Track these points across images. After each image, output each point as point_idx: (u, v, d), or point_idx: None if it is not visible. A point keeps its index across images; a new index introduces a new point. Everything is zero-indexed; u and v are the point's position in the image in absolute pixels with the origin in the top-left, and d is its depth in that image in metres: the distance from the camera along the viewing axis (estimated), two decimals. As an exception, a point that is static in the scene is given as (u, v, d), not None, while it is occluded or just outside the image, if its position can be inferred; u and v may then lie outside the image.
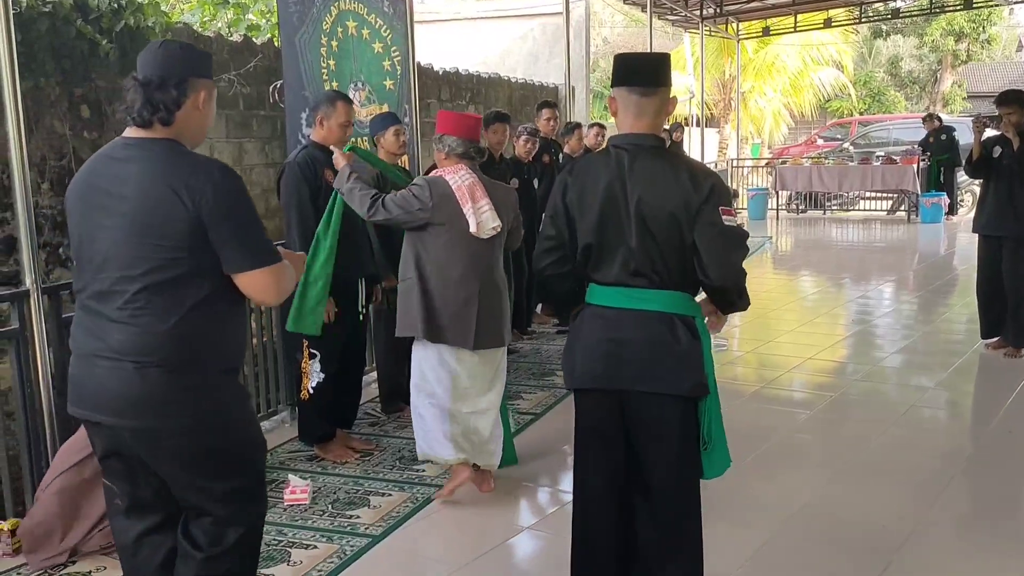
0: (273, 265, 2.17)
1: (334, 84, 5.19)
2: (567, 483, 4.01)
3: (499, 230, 3.64)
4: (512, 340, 5.53)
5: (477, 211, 3.56)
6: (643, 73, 2.49)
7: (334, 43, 5.27)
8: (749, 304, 2.55)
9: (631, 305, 2.43)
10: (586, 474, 2.61)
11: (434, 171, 3.75)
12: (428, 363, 3.69)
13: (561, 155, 7.36)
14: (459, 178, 3.61)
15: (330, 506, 3.72)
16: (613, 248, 2.44)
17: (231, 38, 6.18)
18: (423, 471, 4.06)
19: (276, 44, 6.01)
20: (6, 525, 3.29)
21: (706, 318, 2.55)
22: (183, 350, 2.11)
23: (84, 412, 2.18)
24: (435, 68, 8.98)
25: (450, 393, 3.65)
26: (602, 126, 8.33)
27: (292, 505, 3.71)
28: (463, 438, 3.69)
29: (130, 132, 2.13)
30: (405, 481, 3.96)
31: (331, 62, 5.21)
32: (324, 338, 4.04)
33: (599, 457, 2.56)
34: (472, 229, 3.56)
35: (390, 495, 3.82)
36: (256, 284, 2.15)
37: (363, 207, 3.69)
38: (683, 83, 21.45)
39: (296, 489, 3.77)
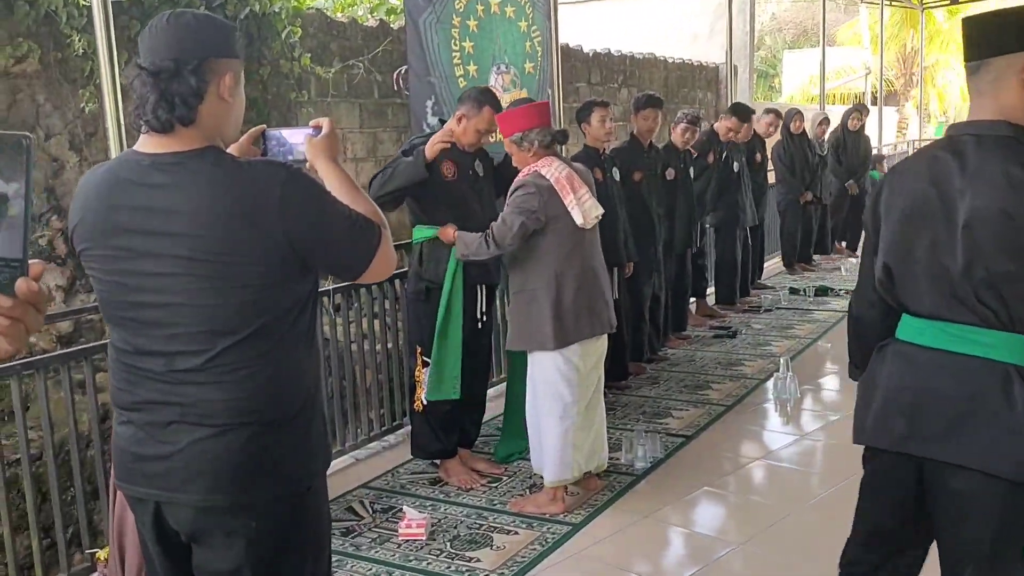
0: (383, 235, 1.78)
1: (471, 68, 4.73)
2: (719, 527, 3.42)
3: (600, 217, 3.53)
4: (633, 374, 5.11)
5: (580, 201, 3.41)
6: (967, 40, 1.86)
7: (472, 23, 4.81)
8: None
9: (949, 347, 1.82)
10: (861, 550, 2.12)
11: (525, 170, 3.47)
12: (552, 371, 3.43)
13: (723, 145, 6.65)
14: (555, 170, 3.42)
15: (448, 544, 3.29)
16: (926, 268, 1.83)
17: (366, 22, 5.87)
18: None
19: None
20: (102, 554, 3.06)
21: None
22: (281, 402, 1.73)
23: (152, 491, 1.74)
24: (584, 49, 8.43)
25: (576, 390, 3.43)
26: (778, 113, 7.56)
27: (407, 540, 3.32)
28: (583, 448, 3.49)
29: (149, 145, 1.69)
30: (535, 517, 3.49)
31: (467, 44, 4.76)
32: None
33: (883, 533, 2.05)
34: (579, 221, 3.40)
35: (516, 534, 3.36)
36: (379, 267, 1.79)
37: (482, 249, 3.46)
38: (860, 58, 19.91)
39: (412, 522, 3.37)
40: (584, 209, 3.42)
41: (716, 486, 3.78)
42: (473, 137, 3.66)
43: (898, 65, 20.25)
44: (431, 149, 3.45)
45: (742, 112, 6.56)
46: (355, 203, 1.82)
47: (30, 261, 0.85)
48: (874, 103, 15.05)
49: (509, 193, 3.48)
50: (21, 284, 0.85)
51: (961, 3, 15.78)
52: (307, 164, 1.93)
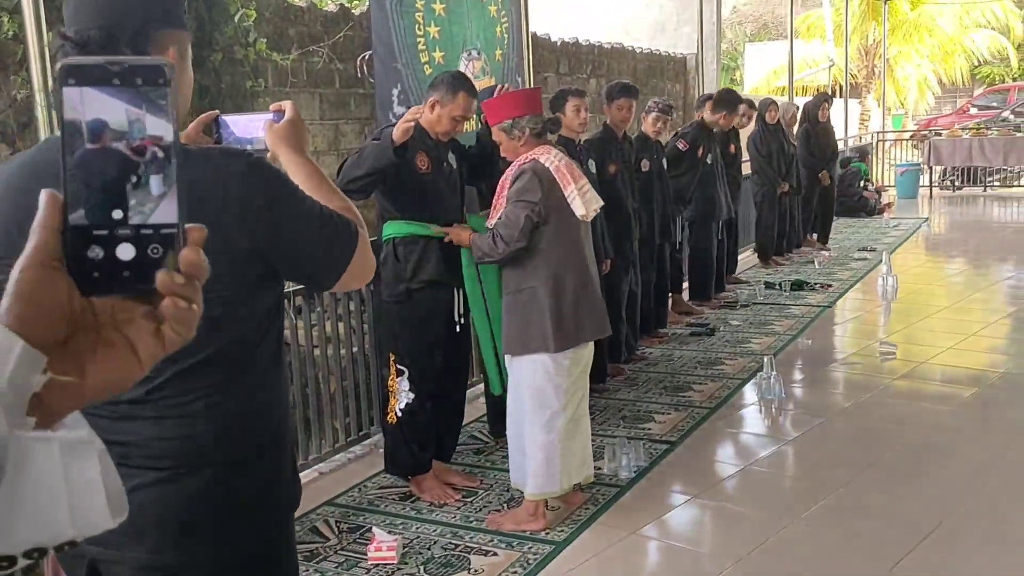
0: (361, 234, 1.50)
1: (437, 55, 4.44)
2: (710, 542, 3.21)
3: (600, 209, 3.36)
4: (611, 376, 4.91)
5: (580, 191, 3.19)
6: None
7: (438, 6, 4.52)
8: None
9: None
10: None
11: (521, 158, 3.24)
12: (541, 376, 3.18)
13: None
14: (554, 158, 3.20)
15: (422, 568, 3.04)
16: None
17: (325, 7, 5.56)
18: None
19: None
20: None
21: None
22: (244, 439, 1.46)
23: (88, 547, 1.41)
24: (552, 39, 8.19)
25: (565, 396, 3.19)
26: (751, 103, 7.39)
27: (377, 565, 3.06)
28: (571, 458, 3.27)
29: None
30: (513, 536, 3.24)
31: (433, 28, 4.46)
32: (414, 352, 3.41)
33: None
34: (580, 212, 3.19)
35: (495, 555, 3.11)
36: (356, 272, 1.50)
37: (494, 251, 3.19)
38: (822, 51, 19.92)
39: (382, 544, 3.11)
40: (585, 200, 3.20)
41: (704, 497, 3.57)
42: (447, 125, 3.39)
43: (860, 57, 20.31)
44: (399, 130, 3.14)
45: (730, 101, 6.38)
46: (327, 199, 1.55)
47: (186, 225, 0.63)
48: (836, 95, 15.01)
49: (505, 184, 3.23)
50: (185, 254, 0.62)
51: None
52: (268, 155, 1.67)
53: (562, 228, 3.20)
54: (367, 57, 4.49)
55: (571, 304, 3.20)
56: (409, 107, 3.59)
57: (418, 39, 4.37)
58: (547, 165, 3.19)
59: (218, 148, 1.50)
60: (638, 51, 9.98)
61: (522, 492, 3.32)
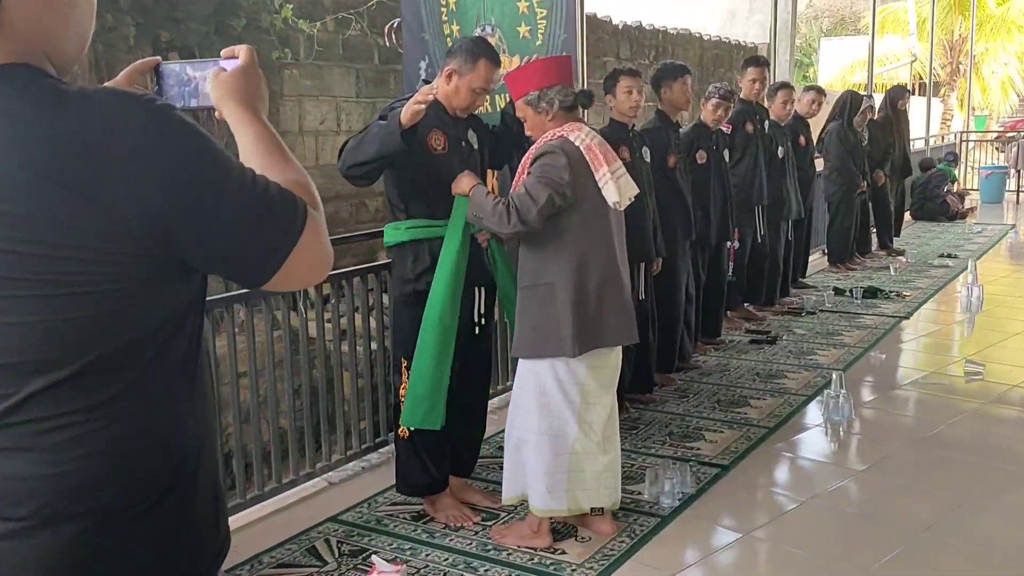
0: (310, 219, 1.11)
1: (454, 27, 4.02)
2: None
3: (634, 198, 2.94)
4: (659, 385, 4.43)
5: (614, 175, 2.80)
6: None
7: None
8: None
9: None
10: None
11: (548, 135, 2.84)
12: (550, 379, 2.82)
13: (767, 123, 5.95)
14: (585, 136, 2.78)
15: (425, 605, 2.65)
16: None
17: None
18: (562, 549, 2.92)
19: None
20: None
21: None
22: (135, 478, 1.08)
23: None
24: (612, 21, 7.71)
25: (579, 407, 2.80)
26: (820, 90, 6.83)
27: (375, 598, 2.67)
28: (585, 478, 2.89)
29: None
30: (537, 569, 2.83)
31: (451, 0, 4.04)
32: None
33: None
34: (612, 199, 2.79)
35: (512, 593, 2.70)
36: (299, 268, 1.12)
37: (502, 221, 2.76)
38: (901, 46, 19.02)
39: (382, 575, 2.72)
40: (619, 185, 2.78)
41: (759, 534, 3.10)
42: (466, 98, 2.97)
43: (944, 53, 19.33)
44: (408, 112, 2.70)
45: (758, 59, 5.83)
46: (277, 169, 1.16)
47: None
48: (918, 93, 14.20)
49: (529, 160, 2.82)
50: None
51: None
52: (217, 113, 1.28)
53: (590, 216, 2.81)
54: (396, 25, 4.09)
55: (594, 303, 2.81)
56: (426, 80, 3.16)
57: (441, 8, 3.96)
58: (577, 143, 2.78)
59: (106, 89, 1.09)
60: (706, 39, 9.44)
61: (524, 505, 2.95)
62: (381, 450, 3.76)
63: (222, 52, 1.30)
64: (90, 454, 1.05)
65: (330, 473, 3.56)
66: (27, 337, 1.01)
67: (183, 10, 3.83)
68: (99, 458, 1.06)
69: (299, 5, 4.46)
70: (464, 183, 2.90)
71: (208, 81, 1.27)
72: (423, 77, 3.37)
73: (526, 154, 2.88)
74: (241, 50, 1.28)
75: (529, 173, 2.79)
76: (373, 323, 3.80)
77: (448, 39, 3.98)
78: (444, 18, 3.98)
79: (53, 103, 1.01)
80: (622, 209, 2.91)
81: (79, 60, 1.20)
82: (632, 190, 2.92)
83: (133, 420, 1.08)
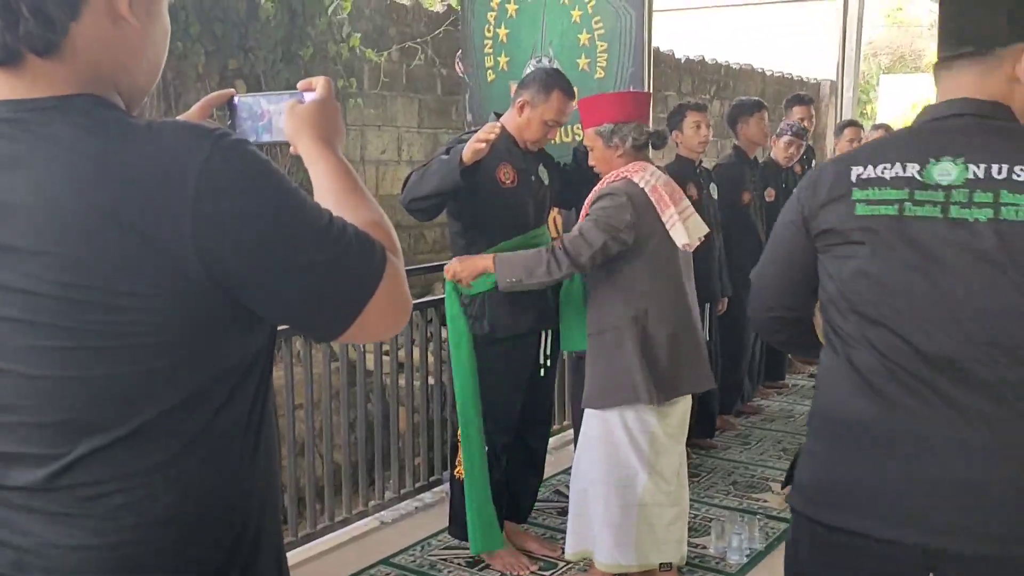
0: (389, 266, 1.01)
1: (502, 60, 3.94)
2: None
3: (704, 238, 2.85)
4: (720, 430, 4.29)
5: (682, 216, 2.70)
6: None
7: (511, 6, 4.01)
8: None
9: None
10: None
11: (611, 176, 2.73)
12: (621, 430, 2.70)
13: (814, 161, 5.80)
14: (650, 177, 2.70)
15: (481, 660, 2.53)
16: None
17: (432, 6, 5.18)
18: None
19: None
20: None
21: None
22: (189, 547, 0.99)
23: None
24: (675, 55, 7.64)
25: (649, 457, 2.73)
26: (888, 128, 6.65)
27: (428, 650, 2.56)
28: (656, 531, 2.77)
29: None
30: (595, 627, 2.69)
31: (502, 31, 3.95)
32: (489, 398, 2.91)
33: None
34: (681, 241, 2.69)
35: (571, 651, 2.57)
36: (376, 318, 1.01)
37: (552, 270, 2.64)
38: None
39: (436, 625, 2.61)
40: (688, 226, 2.68)
41: (833, 597, 2.92)
42: (538, 131, 2.88)
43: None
44: (469, 150, 2.59)
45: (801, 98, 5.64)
46: (352, 209, 1.07)
47: None
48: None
49: (590, 201, 2.72)
50: None
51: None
52: (292, 149, 1.21)
53: (655, 259, 2.70)
54: (461, 54, 4.05)
55: (669, 349, 2.69)
56: (497, 112, 3.08)
57: (485, 41, 3.90)
58: (641, 185, 2.67)
59: (175, 123, 1.00)
60: (768, 74, 9.31)
61: (590, 560, 2.82)
62: (435, 489, 3.66)
63: (299, 84, 1.23)
64: (145, 524, 0.96)
65: (383, 512, 3.46)
66: (78, 394, 0.92)
67: (253, 38, 3.84)
68: (155, 528, 0.96)
69: (365, 34, 4.46)
70: (478, 262, 2.73)
71: (283, 115, 1.20)
72: (495, 110, 3.30)
73: (589, 194, 2.78)
74: (319, 82, 1.20)
75: (587, 215, 2.70)
76: (431, 358, 3.72)
77: (490, 72, 3.93)
78: (488, 50, 3.92)
79: (117, 137, 0.92)
80: (691, 251, 2.81)
81: (149, 92, 1.13)
82: (701, 229, 2.81)
83: (193, 484, 0.98)
